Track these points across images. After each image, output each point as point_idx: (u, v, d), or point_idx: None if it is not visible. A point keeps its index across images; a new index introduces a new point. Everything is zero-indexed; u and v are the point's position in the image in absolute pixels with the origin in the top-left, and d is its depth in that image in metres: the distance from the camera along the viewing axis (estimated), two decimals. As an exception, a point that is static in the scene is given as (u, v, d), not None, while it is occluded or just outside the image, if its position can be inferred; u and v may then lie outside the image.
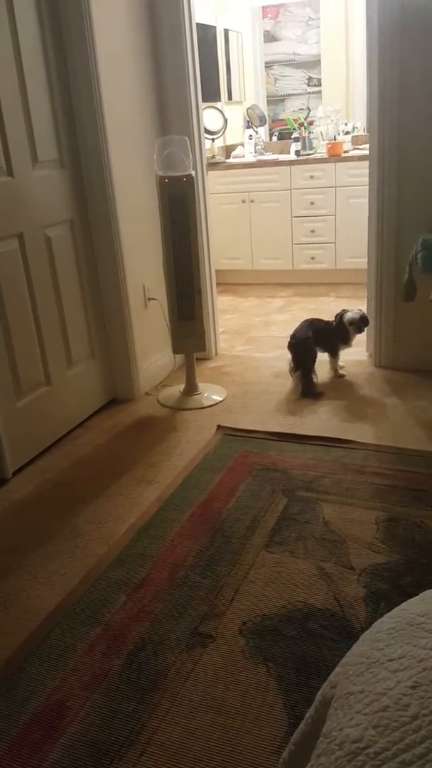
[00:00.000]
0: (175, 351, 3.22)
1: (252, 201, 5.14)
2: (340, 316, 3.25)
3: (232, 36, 5.51)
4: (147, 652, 1.67)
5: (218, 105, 5.40)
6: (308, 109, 5.55)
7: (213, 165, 5.05)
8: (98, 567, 2.02)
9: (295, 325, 3.35)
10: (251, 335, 4.18)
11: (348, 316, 3.21)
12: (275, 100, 5.83)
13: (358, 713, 0.73)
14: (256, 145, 5.47)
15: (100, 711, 1.51)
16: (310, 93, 5.66)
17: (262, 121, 5.64)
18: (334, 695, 0.83)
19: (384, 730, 0.69)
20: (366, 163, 3.30)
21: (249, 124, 5.53)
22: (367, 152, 3.39)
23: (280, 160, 5.10)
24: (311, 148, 5.17)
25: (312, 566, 1.93)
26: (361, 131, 5.25)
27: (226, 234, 5.15)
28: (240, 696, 1.51)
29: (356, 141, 5.16)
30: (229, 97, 5.60)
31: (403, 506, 2.20)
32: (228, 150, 5.59)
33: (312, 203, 4.99)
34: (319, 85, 5.57)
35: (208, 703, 1.50)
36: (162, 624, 1.76)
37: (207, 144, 4.71)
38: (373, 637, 0.85)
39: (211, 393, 3.25)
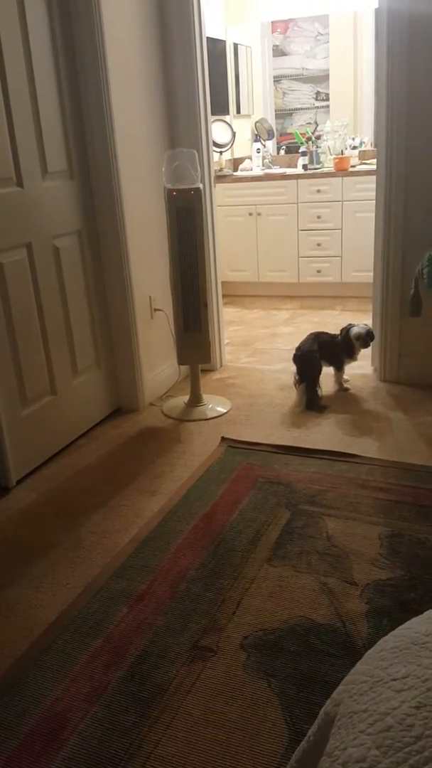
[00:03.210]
0: (180, 362, 3.22)
1: (259, 214, 5.16)
2: (346, 330, 3.25)
3: (241, 50, 5.55)
4: (148, 664, 1.66)
5: (227, 118, 5.44)
6: (316, 123, 5.58)
7: (221, 178, 5.08)
8: (100, 578, 2.02)
9: (301, 337, 3.36)
10: (256, 347, 4.19)
11: (354, 330, 3.21)
12: (283, 114, 5.87)
13: (361, 733, 0.72)
14: (263, 158, 5.50)
15: (101, 724, 1.50)
16: (318, 107, 5.70)
17: (270, 134, 5.67)
18: (337, 713, 0.82)
19: (387, 750, 0.68)
20: (373, 178, 3.31)
21: (257, 138, 5.56)
22: (374, 167, 3.41)
23: (287, 173, 5.13)
24: (318, 162, 5.20)
25: (314, 581, 1.92)
26: (368, 146, 5.28)
27: (232, 246, 5.18)
28: (241, 711, 1.51)
29: (363, 156, 5.19)
30: (238, 111, 5.63)
31: (406, 522, 2.19)
32: (236, 163, 5.62)
33: (318, 217, 5.01)
34: (327, 99, 5.60)
35: (209, 718, 1.49)
36: (163, 637, 1.75)
37: (215, 157, 4.74)
38: (377, 655, 0.85)
39: (215, 404, 3.25)
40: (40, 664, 1.69)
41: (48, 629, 1.82)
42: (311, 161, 5.17)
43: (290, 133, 5.72)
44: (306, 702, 1.51)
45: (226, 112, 5.44)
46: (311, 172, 5.05)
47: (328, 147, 5.25)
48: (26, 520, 2.41)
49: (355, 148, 5.27)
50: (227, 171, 5.39)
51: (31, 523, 2.38)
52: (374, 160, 3.61)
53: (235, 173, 5.42)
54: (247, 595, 1.88)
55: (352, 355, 3.28)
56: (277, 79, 5.77)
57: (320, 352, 3.22)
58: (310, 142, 5.23)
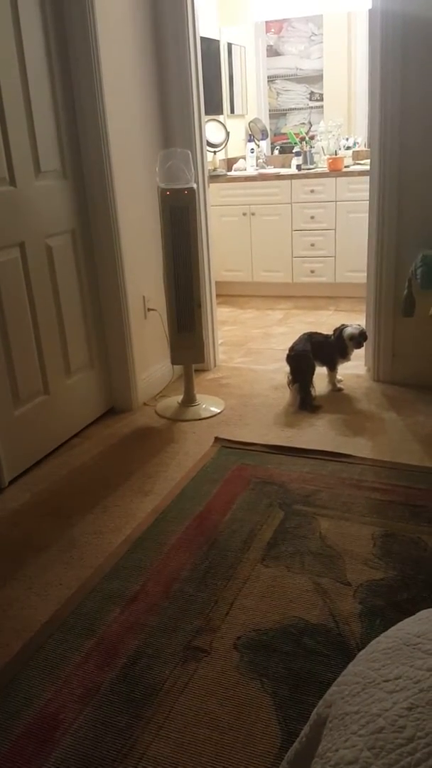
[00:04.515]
0: (174, 362, 3.22)
1: (253, 214, 5.17)
2: (339, 330, 3.25)
3: (235, 50, 5.55)
4: (141, 665, 1.66)
5: (220, 118, 5.43)
6: (310, 123, 5.59)
7: (214, 178, 5.07)
8: (93, 578, 2.01)
9: (294, 337, 3.36)
10: (250, 347, 4.19)
11: (348, 331, 3.22)
12: (277, 114, 5.87)
13: (353, 734, 0.72)
14: (257, 158, 5.50)
15: (93, 724, 1.50)
16: (311, 108, 5.70)
17: (264, 134, 5.68)
18: (329, 715, 0.82)
19: (379, 752, 0.69)
20: (366, 179, 3.32)
21: (251, 138, 5.56)
22: (367, 167, 3.41)
23: (281, 173, 5.13)
24: (312, 162, 5.20)
25: (308, 581, 1.93)
26: (362, 146, 5.29)
27: (226, 246, 5.18)
28: (234, 711, 1.51)
29: (357, 156, 5.19)
30: (232, 111, 5.63)
31: (399, 522, 2.20)
32: (230, 163, 5.62)
33: (312, 217, 5.01)
34: (321, 99, 5.61)
35: (202, 718, 1.49)
36: (156, 637, 1.75)
37: (209, 157, 4.74)
38: (369, 656, 0.85)
39: (209, 404, 3.25)
40: (33, 665, 1.69)
41: (41, 630, 1.82)
42: (305, 161, 5.18)
43: (284, 133, 5.73)
44: (299, 702, 1.52)
45: (219, 111, 5.43)
46: (305, 172, 5.06)
47: (322, 147, 5.25)
48: (19, 520, 2.40)
49: (348, 148, 5.27)
50: (221, 171, 5.39)
51: (24, 523, 2.38)
52: (368, 161, 3.62)
53: (229, 173, 5.42)
54: (240, 596, 1.88)
55: (345, 356, 3.29)
56: (271, 79, 5.77)
57: (313, 353, 3.22)
58: (304, 143, 5.23)
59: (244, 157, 5.59)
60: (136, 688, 1.59)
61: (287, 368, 3.27)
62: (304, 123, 5.68)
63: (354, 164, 5.10)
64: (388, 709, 0.73)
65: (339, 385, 3.37)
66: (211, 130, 5.14)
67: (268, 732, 1.45)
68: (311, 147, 5.25)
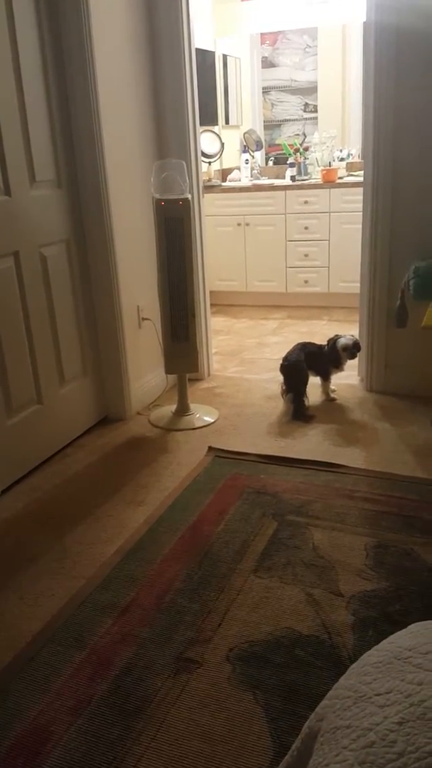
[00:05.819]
0: (168, 371, 3.22)
1: (247, 224, 5.19)
2: (333, 341, 3.26)
3: (230, 61, 5.59)
4: (133, 677, 1.65)
5: (215, 129, 5.46)
6: (304, 134, 5.63)
7: (209, 188, 5.09)
8: (85, 589, 2.00)
9: (288, 347, 3.37)
10: (244, 357, 4.19)
11: (341, 341, 3.23)
12: (272, 125, 5.90)
13: (344, 749, 0.72)
14: (252, 169, 5.53)
15: (84, 737, 1.49)
16: (306, 119, 5.74)
17: (259, 145, 5.71)
18: (320, 728, 0.82)
19: (370, 766, 0.69)
20: (360, 190, 3.34)
21: (245, 149, 5.59)
22: (361, 179, 3.43)
23: (275, 184, 5.16)
24: (306, 173, 5.23)
25: (300, 592, 1.92)
26: (356, 158, 5.32)
27: (221, 256, 5.19)
28: (226, 723, 1.50)
29: (351, 168, 5.22)
30: (227, 122, 5.66)
31: (392, 533, 2.20)
32: (224, 173, 5.65)
33: (306, 228, 5.04)
34: (316, 111, 5.64)
35: (194, 731, 1.49)
36: (148, 649, 1.74)
37: (204, 167, 4.76)
38: (361, 670, 0.85)
39: (202, 414, 3.25)
40: (24, 676, 1.68)
41: (32, 641, 1.81)
42: (299, 172, 5.21)
43: (278, 144, 5.76)
44: (291, 714, 1.51)
45: (214, 122, 5.46)
46: (299, 183, 5.08)
47: (316, 158, 5.28)
48: (11, 529, 2.39)
49: (342, 159, 5.31)
50: (216, 181, 5.42)
51: (16, 532, 2.37)
52: (361, 172, 3.64)
53: (223, 184, 5.44)
54: (233, 607, 1.88)
55: (338, 366, 3.30)
56: (265, 91, 5.81)
57: (307, 363, 3.23)
58: (298, 154, 5.26)
59: (238, 168, 5.62)
60: (128, 700, 1.58)
61: (281, 378, 3.28)
62: (298, 134, 5.71)
63: (348, 176, 5.14)
64: (379, 724, 0.73)
65: (332, 395, 3.38)
66: (206, 141, 5.17)
67: (260, 744, 1.44)
68: (305, 158, 5.28)
